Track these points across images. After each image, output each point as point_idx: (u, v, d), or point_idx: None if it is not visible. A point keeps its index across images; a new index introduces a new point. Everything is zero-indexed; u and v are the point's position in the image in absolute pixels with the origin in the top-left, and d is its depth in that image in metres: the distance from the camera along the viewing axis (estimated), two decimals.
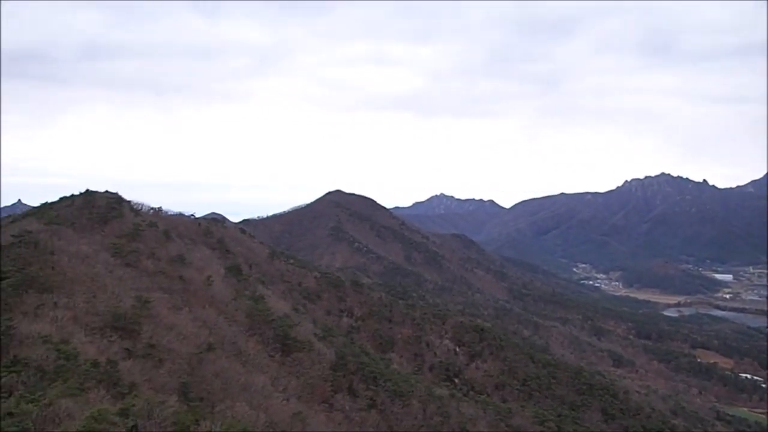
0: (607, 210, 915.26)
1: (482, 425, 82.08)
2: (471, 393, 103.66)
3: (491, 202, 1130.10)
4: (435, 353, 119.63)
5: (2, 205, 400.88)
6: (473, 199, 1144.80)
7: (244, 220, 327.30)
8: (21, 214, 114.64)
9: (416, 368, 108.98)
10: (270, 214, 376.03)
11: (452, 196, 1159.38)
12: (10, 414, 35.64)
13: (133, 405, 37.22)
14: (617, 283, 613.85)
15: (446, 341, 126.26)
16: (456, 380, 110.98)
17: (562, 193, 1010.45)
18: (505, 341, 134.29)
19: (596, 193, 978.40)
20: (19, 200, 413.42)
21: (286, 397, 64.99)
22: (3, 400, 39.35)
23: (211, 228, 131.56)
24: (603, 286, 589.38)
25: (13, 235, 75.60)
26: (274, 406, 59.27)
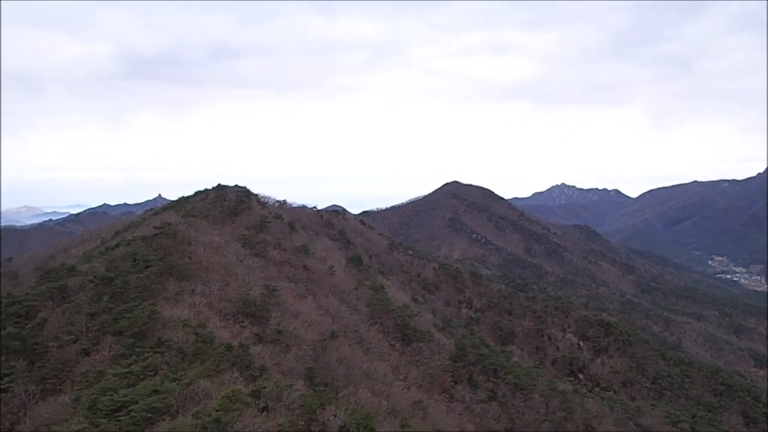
0: (746, 198, 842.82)
1: (608, 423, 78.66)
2: (596, 389, 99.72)
3: (616, 191, 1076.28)
4: (557, 347, 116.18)
5: (145, 200, 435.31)
6: (596, 189, 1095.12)
7: (364, 212, 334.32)
8: (161, 207, 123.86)
9: (538, 362, 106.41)
10: (388, 205, 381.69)
11: (573, 186, 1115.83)
12: (156, 391, 38.60)
13: (264, 387, 39.06)
14: (759, 277, 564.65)
15: (569, 335, 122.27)
16: (580, 375, 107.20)
17: (695, 181, 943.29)
18: (633, 337, 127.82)
19: (733, 180, 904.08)
20: (159, 194, 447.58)
21: (406, 386, 65.68)
22: (149, 378, 42.78)
23: (333, 220, 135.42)
24: (742, 280, 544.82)
25: (155, 227, 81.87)
26: (396, 394, 60.07)
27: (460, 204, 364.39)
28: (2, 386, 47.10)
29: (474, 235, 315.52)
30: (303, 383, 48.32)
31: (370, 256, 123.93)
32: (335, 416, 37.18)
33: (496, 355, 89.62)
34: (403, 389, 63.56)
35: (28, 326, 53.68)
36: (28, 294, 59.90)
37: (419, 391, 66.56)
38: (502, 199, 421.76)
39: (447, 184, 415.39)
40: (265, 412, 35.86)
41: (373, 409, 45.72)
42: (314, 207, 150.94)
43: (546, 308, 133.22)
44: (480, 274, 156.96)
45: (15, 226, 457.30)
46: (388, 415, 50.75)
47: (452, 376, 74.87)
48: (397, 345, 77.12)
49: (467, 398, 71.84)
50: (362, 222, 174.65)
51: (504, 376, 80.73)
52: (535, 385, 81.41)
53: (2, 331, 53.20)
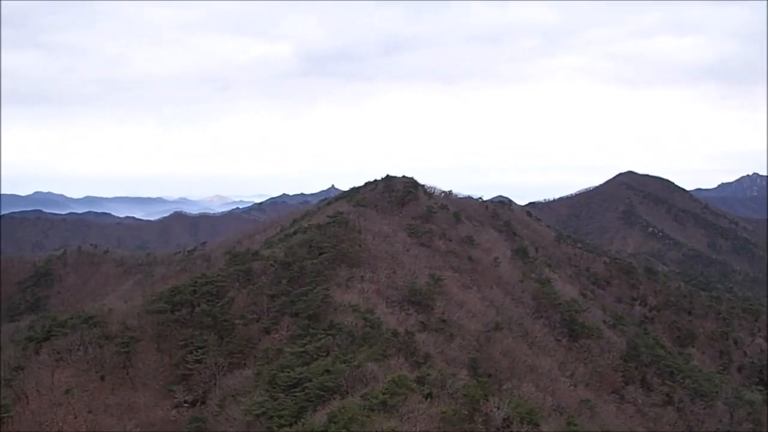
0: None
1: None
2: None
3: None
4: (745, 352, 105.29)
5: (319, 190, 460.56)
6: None
7: (530, 203, 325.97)
8: (334, 197, 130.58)
9: (721, 367, 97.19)
10: (556, 197, 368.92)
11: None
12: (328, 371, 40.91)
13: (428, 374, 39.77)
14: None
15: (759, 340, 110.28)
16: None
17: None
18: None
19: None
20: (333, 185, 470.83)
21: (573, 383, 63.38)
22: (322, 358, 45.43)
23: (498, 210, 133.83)
24: None
25: (328, 216, 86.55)
26: (561, 391, 58.22)
27: (635, 195, 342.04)
28: (197, 357, 52.68)
29: (650, 229, 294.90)
30: (466, 373, 48.50)
31: (537, 249, 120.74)
32: (498, 408, 36.83)
33: (672, 357, 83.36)
34: (569, 386, 61.42)
35: (218, 304, 59.42)
36: (218, 275, 66.27)
37: (587, 389, 63.90)
38: (683, 190, 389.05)
39: (621, 174, 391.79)
40: (429, 399, 36.49)
41: (537, 404, 44.68)
42: (480, 198, 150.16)
43: (732, 309, 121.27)
44: (656, 270, 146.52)
45: (208, 213, 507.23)
46: (554, 412, 49.34)
47: (623, 376, 70.91)
48: (564, 340, 74.56)
49: (639, 401, 67.63)
50: (528, 213, 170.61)
51: (682, 380, 74.93)
52: (717, 392, 74.60)
53: (197, 308, 59.45)
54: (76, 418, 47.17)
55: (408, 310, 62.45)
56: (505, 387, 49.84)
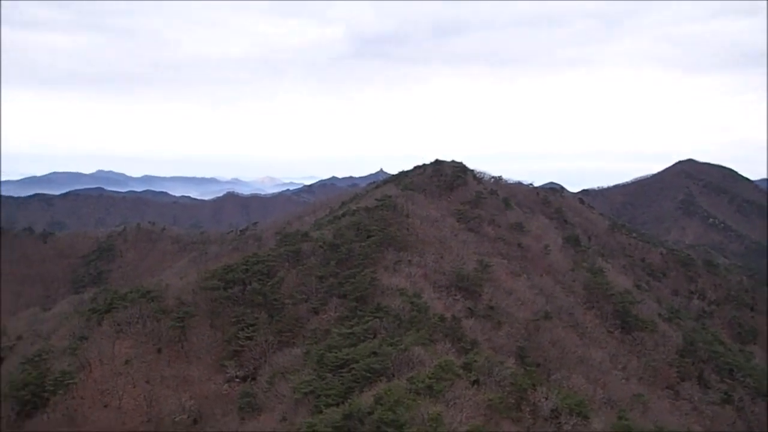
0: None
1: None
2: None
3: None
4: None
5: (368, 173, 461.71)
6: None
7: (583, 191, 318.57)
8: (382, 180, 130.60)
9: None
10: (611, 184, 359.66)
11: None
12: (375, 353, 41.19)
13: (475, 361, 39.60)
14: None
15: None
16: None
17: None
18: None
19: None
20: (381, 169, 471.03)
21: (625, 377, 62.14)
22: (369, 340, 45.79)
23: (550, 197, 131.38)
24: None
25: (376, 199, 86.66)
26: (612, 384, 57.14)
27: (694, 184, 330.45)
28: (248, 334, 53.90)
29: (710, 220, 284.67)
30: (514, 361, 48.09)
31: (589, 237, 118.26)
32: (547, 398, 36.43)
33: (732, 354, 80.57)
34: (621, 380, 60.27)
35: (269, 283, 60.51)
36: (269, 255, 67.41)
37: (639, 383, 62.49)
38: (747, 180, 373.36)
39: (680, 162, 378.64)
40: (475, 386, 36.38)
41: (587, 397, 44.02)
42: (530, 184, 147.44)
43: None
44: (716, 262, 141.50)
45: (259, 194, 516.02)
46: (604, 405, 48.51)
47: (678, 371, 68.99)
48: (616, 332, 72.95)
49: (696, 398, 65.74)
50: (581, 201, 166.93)
51: (742, 379, 72.43)
52: None
53: (248, 286, 60.68)
54: (134, 387, 49.12)
55: (455, 295, 62.21)
56: (553, 377, 49.30)
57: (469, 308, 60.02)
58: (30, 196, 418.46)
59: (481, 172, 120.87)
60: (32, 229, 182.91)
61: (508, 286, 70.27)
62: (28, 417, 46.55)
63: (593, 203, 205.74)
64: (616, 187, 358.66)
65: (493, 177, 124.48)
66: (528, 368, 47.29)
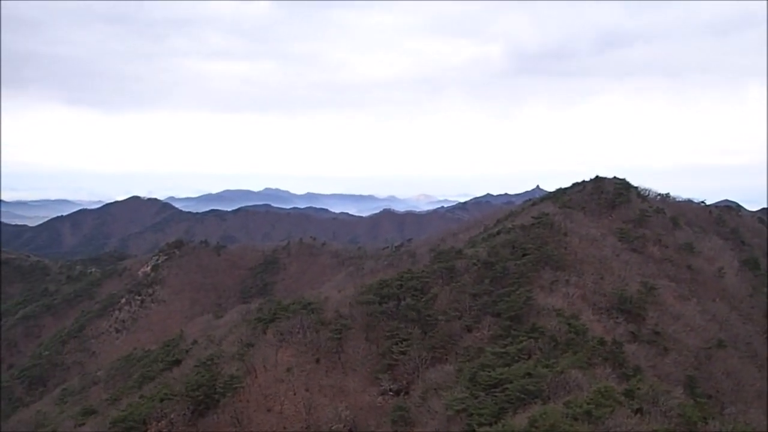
0: None
1: None
2: None
3: None
4: None
5: (524, 191, 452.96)
6: None
7: (764, 209, 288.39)
8: (539, 198, 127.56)
9: None
10: None
11: None
12: (529, 374, 40.36)
13: (638, 388, 37.40)
14: None
15: None
16: None
17: None
18: None
19: None
20: (537, 186, 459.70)
21: None
22: (523, 360, 44.93)
23: (724, 216, 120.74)
24: None
25: (532, 217, 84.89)
26: None
27: None
28: (402, 349, 55.11)
29: None
30: (682, 391, 44.72)
31: None
32: None
33: None
34: None
35: (422, 299, 61.49)
36: (423, 271, 68.53)
37: None
38: None
39: None
40: (638, 414, 34.36)
41: None
42: (702, 202, 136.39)
43: None
44: None
45: (414, 211, 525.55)
46: None
47: None
48: None
49: None
50: (761, 220, 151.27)
51: None
52: None
53: (402, 302, 62.12)
54: (295, 394, 52.12)
55: (617, 318, 59.17)
56: (727, 411, 45.29)
57: (632, 332, 56.80)
58: (206, 212, 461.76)
59: (645, 189, 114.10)
60: (208, 242, 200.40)
61: (675, 311, 65.63)
62: (201, 416, 50.96)
63: None
64: None
65: (659, 194, 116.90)
66: (698, 399, 43.76)
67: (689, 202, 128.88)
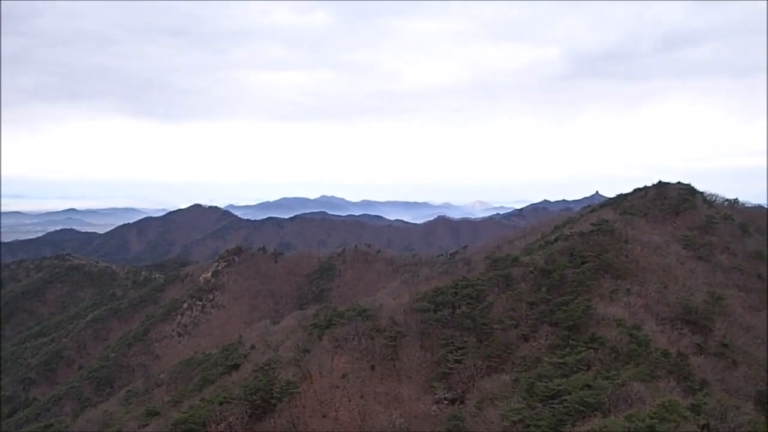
0: None
1: None
2: None
3: None
4: None
5: (582, 197, 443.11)
6: None
7: None
8: (598, 204, 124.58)
9: None
10: None
11: None
12: (589, 386, 39.18)
13: (705, 403, 35.80)
14: None
15: None
16: None
17: None
18: None
19: None
20: (597, 192, 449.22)
21: None
22: (582, 371, 43.71)
23: None
24: None
25: (591, 224, 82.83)
26: None
27: None
28: (457, 357, 54.54)
29: None
30: (753, 407, 42.52)
31: None
32: None
33: None
34: None
35: (477, 307, 60.76)
36: (478, 279, 67.75)
37: None
38: None
39: None
40: (705, 430, 32.89)
41: None
42: None
43: None
44: None
45: (469, 218, 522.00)
46: None
47: None
48: None
49: None
50: None
51: None
52: None
53: (457, 309, 61.55)
54: (350, 401, 52.20)
55: (681, 329, 56.90)
56: None
57: (698, 344, 54.49)
58: (264, 220, 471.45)
59: (712, 195, 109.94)
60: (265, 249, 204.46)
61: (745, 322, 62.66)
62: (258, 420, 51.67)
63: None
64: None
65: (727, 200, 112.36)
66: None
67: (760, 207, 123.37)
